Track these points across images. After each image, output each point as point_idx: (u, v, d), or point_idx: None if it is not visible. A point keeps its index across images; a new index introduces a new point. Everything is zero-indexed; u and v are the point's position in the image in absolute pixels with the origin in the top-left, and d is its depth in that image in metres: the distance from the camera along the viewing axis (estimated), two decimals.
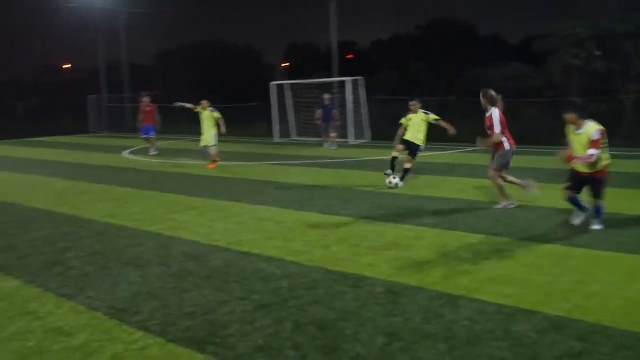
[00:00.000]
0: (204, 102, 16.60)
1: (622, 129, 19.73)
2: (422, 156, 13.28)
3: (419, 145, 12.43)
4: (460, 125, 23.57)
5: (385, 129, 20.63)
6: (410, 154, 12.43)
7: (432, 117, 12.57)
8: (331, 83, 26.03)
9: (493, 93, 9.89)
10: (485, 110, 9.88)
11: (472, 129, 22.90)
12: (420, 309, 5.30)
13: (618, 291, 5.65)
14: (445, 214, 9.40)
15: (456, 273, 6.32)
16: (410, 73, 33.90)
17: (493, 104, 9.82)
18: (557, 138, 20.58)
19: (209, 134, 16.40)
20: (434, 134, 13.08)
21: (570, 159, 8.02)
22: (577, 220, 8.38)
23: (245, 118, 31.68)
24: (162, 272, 6.61)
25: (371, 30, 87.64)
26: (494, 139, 9.69)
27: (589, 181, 8.05)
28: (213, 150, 16.47)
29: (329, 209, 9.98)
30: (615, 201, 9.72)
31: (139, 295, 5.89)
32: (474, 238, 7.81)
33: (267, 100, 27.49)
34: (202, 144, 16.67)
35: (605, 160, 7.94)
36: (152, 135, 20.83)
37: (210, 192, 12.10)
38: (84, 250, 7.66)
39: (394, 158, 12.48)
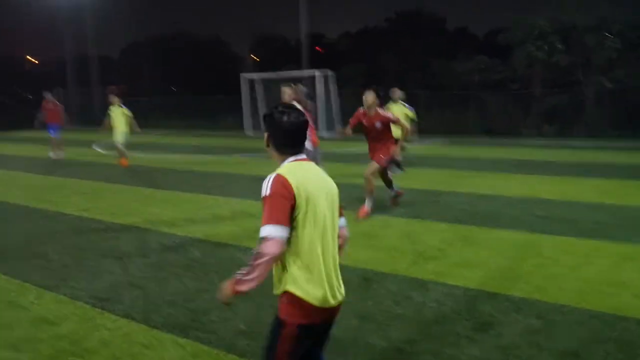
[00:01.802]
0: (115, 98, 16.30)
1: (583, 120, 20.42)
2: None
3: None
4: (425, 117, 24.26)
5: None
6: None
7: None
8: (300, 76, 26.26)
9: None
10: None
11: (437, 121, 23.56)
12: (390, 293, 5.61)
13: (574, 273, 6.05)
14: (411, 203, 9.74)
15: (424, 258, 6.66)
16: (379, 65, 34.29)
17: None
18: (520, 129, 21.39)
19: (119, 131, 16.08)
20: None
21: None
22: None
23: (214, 110, 31.73)
24: (142, 263, 6.79)
25: (339, 23, 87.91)
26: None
27: None
28: (120, 147, 16.13)
29: None
30: (564, 188, 10.19)
31: (119, 285, 6.07)
32: (439, 226, 8.17)
33: (235, 92, 27.60)
34: (114, 138, 16.34)
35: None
36: (53, 135, 18.81)
37: (184, 185, 12.26)
38: (61, 244, 7.79)
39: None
